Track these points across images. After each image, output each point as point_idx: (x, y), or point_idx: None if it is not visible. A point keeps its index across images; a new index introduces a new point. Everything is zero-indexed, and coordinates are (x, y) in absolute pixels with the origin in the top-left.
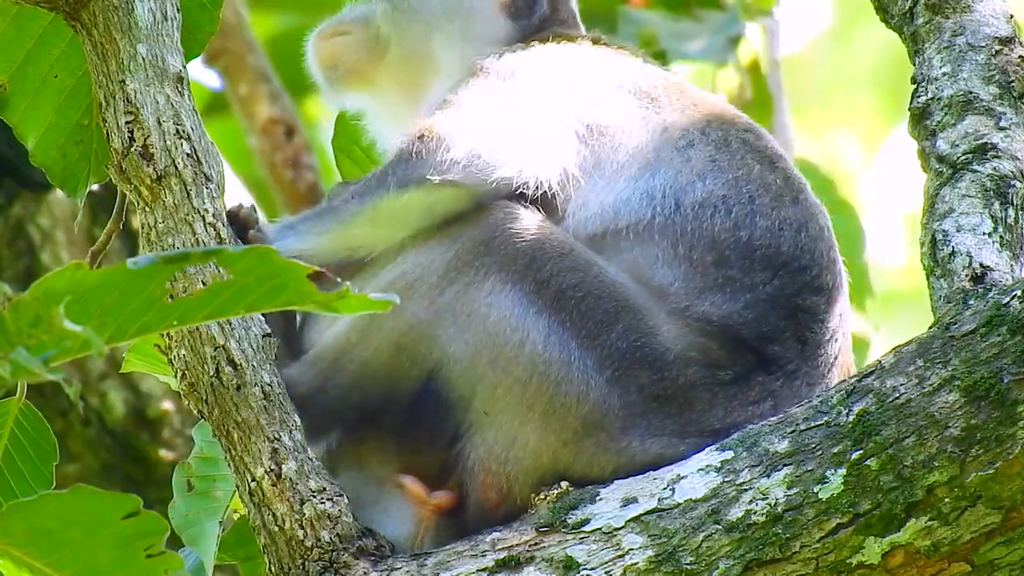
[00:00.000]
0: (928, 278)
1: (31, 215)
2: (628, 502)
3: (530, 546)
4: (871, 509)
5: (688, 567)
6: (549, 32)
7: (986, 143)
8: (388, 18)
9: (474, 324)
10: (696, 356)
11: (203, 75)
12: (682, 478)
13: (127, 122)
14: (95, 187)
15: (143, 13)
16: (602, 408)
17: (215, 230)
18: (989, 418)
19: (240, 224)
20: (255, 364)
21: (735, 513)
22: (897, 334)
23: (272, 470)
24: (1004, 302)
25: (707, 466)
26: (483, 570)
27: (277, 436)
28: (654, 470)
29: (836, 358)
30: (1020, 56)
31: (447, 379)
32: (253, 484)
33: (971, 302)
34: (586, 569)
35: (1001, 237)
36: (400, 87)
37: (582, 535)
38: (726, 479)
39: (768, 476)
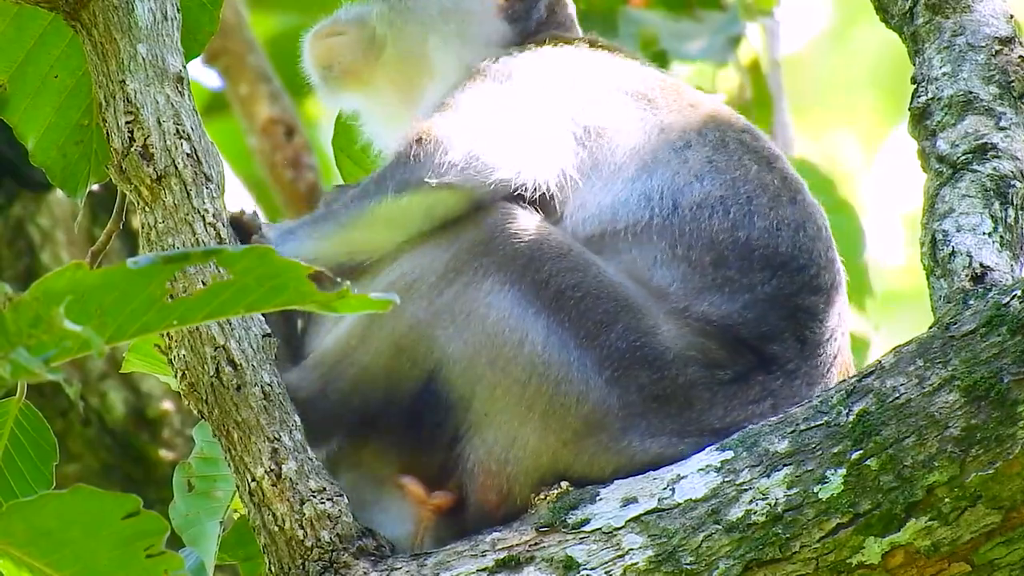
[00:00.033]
0: (928, 278)
1: (31, 215)
2: (628, 502)
3: (530, 546)
4: (871, 509)
5: (688, 567)
6: (546, 35)
7: (986, 143)
8: (384, 19)
9: (473, 324)
10: (695, 356)
11: (203, 75)
12: (682, 478)
13: (127, 122)
14: (95, 187)
15: (143, 13)
16: (602, 408)
17: (215, 230)
18: (989, 418)
19: (243, 229)
20: (255, 364)
21: (735, 513)
22: (897, 334)
23: (272, 470)
24: (1004, 302)
25: (707, 466)
26: (483, 570)
27: (277, 436)
28: (654, 470)
29: (835, 357)
30: (1020, 56)
31: (446, 380)
32: (253, 484)
33: (971, 302)
34: (586, 569)
35: (1001, 237)
36: (396, 88)
37: (582, 535)
38: (726, 479)
39: (768, 476)
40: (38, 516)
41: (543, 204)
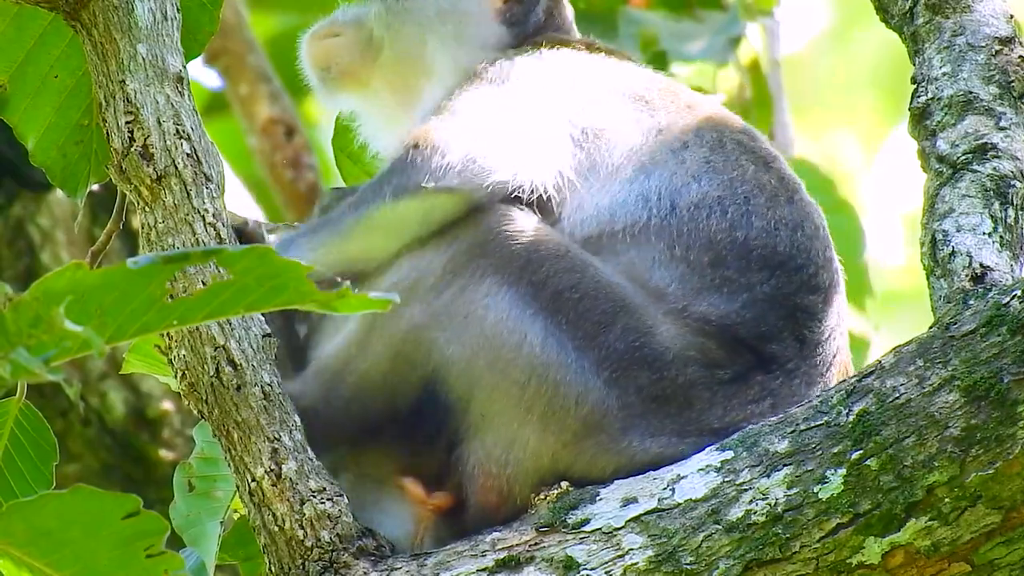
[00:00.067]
0: (928, 278)
1: (31, 215)
2: (628, 502)
3: (530, 546)
4: (871, 509)
5: (688, 567)
6: (543, 38)
7: (986, 143)
8: (381, 20)
9: (471, 326)
10: (695, 356)
11: (203, 75)
12: (682, 478)
13: (127, 122)
14: (95, 187)
15: (143, 13)
16: (601, 409)
17: (215, 230)
18: (989, 418)
19: (247, 239)
20: (255, 364)
21: (735, 513)
22: (897, 334)
23: (272, 470)
24: (1004, 302)
25: (707, 466)
26: (483, 570)
27: (277, 436)
28: (654, 470)
29: (835, 356)
30: (1020, 56)
31: (446, 383)
32: (253, 484)
33: (971, 302)
34: (586, 569)
35: (1001, 237)
36: (393, 89)
37: (582, 535)
38: (726, 479)
39: (768, 476)
40: (38, 516)
41: (541, 206)
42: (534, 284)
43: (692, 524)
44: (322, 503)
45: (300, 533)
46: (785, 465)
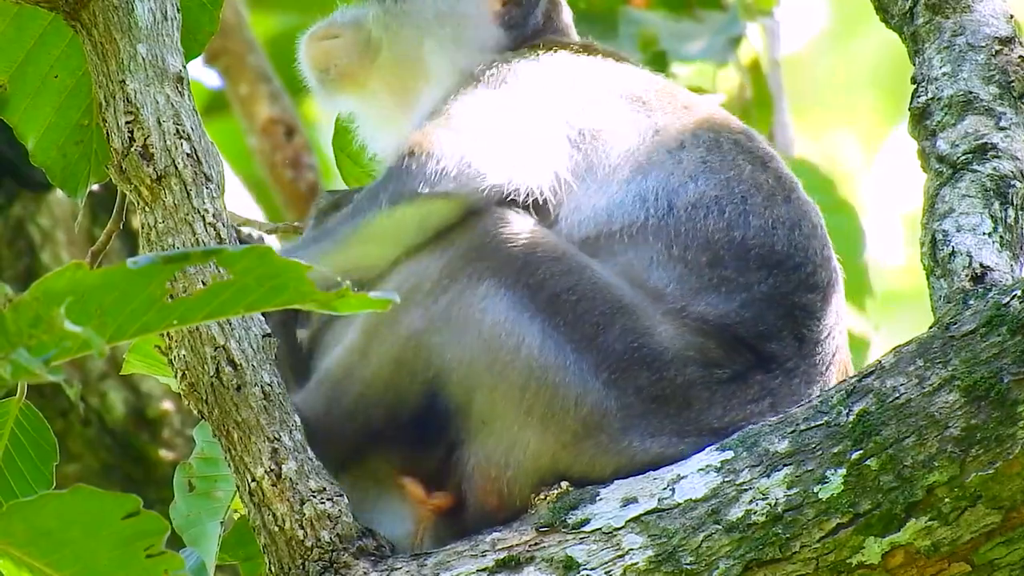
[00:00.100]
0: (928, 278)
1: (31, 215)
2: (628, 502)
3: (530, 546)
4: (871, 509)
5: (688, 567)
6: (540, 40)
7: (986, 143)
8: (379, 21)
9: (469, 331)
10: (693, 355)
11: (203, 74)
12: (682, 478)
13: (127, 122)
14: (95, 187)
15: (143, 13)
16: (600, 410)
17: (215, 230)
18: (989, 418)
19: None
20: (255, 364)
21: (735, 513)
22: (897, 334)
23: (272, 470)
24: (1004, 302)
25: (707, 466)
26: (483, 570)
27: (277, 436)
28: (654, 470)
29: (834, 355)
30: (1020, 56)
31: (446, 388)
32: (253, 484)
33: (971, 302)
34: (586, 569)
35: (1001, 237)
36: (391, 91)
37: (582, 535)
38: (726, 479)
39: (768, 476)
40: (38, 516)
41: (537, 208)
42: (531, 287)
43: (692, 524)
44: (322, 503)
45: (300, 533)
46: (785, 465)
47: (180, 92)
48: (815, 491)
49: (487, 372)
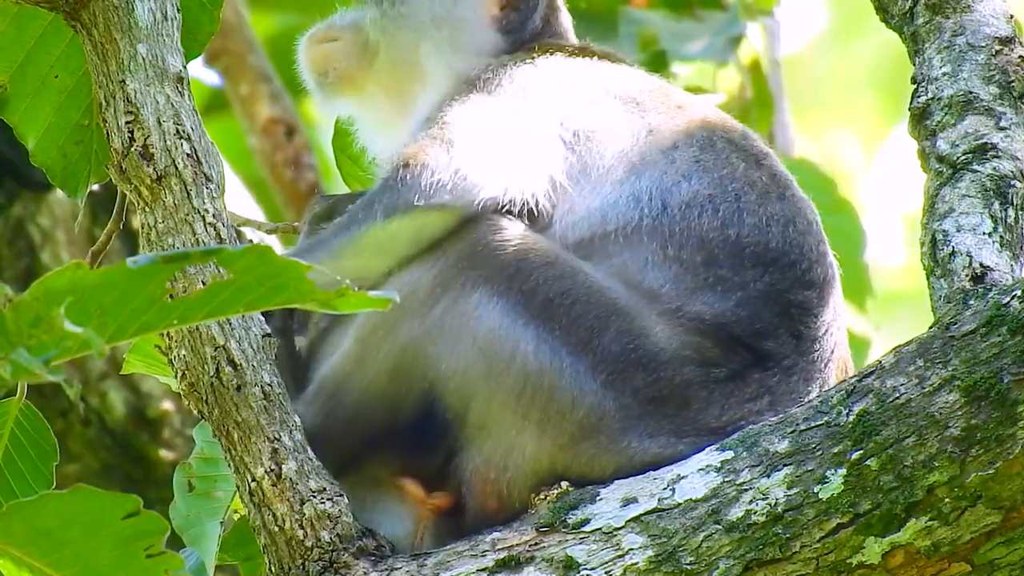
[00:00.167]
0: (928, 278)
1: (31, 215)
2: (628, 502)
3: (530, 546)
4: (871, 509)
5: (688, 567)
6: (537, 43)
7: (986, 143)
8: (377, 25)
9: (464, 339)
10: (691, 355)
11: (203, 74)
12: (682, 478)
13: (127, 122)
14: (95, 187)
15: (143, 13)
16: (598, 412)
17: (215, 230)
18: (989, 418)
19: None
20: (255, 364)
21: (735, 513)
22: (897, 334)
23: (272, 470)
24: (1004, 302)
25: (707, 466)
26: (483, 570)
27: (277, 436)
28: (654, 470)
29: (832, 352)
30: (1020, 56)
31: (442, 396)
32: (253, 484)
33: (971, 302)
34: (586, 569)
35: (1001, 237)
36: (388, 94)
37: (582, 535)
38: (726, 479)
39: (768, 476)
40: (38, 516)
41: (532, 212)
42: (524, 293)
43: (692, 524)
44: (322, 503)
45: (300, 533)
46: (785, 465)
47: (180, 92)
48: (815, 491)
49: (483, 380)
